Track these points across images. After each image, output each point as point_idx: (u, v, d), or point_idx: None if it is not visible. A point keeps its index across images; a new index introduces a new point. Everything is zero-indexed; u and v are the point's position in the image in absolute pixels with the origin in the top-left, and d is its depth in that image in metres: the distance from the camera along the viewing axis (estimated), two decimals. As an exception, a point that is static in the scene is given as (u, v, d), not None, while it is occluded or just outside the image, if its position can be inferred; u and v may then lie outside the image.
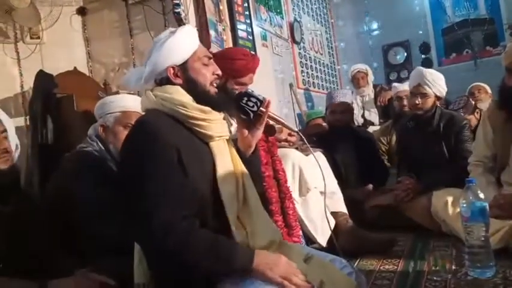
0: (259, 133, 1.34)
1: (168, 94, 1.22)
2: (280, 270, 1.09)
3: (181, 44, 1.27)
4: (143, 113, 1.29)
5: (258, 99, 1.29)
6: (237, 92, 1.32)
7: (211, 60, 1.31)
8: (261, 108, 1.29)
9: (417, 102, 2.70)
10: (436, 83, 2.70)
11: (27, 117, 2.81)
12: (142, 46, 3.10)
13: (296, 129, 1.47)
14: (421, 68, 2.84)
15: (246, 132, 1.33)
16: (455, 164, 2.54)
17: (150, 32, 3.06)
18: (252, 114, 1.29)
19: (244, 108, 1.29)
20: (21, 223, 1.37)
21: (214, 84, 1.29)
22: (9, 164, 1.40)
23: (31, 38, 3.07)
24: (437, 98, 2.73)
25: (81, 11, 3.35)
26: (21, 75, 3.01)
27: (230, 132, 1.33)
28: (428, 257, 1.92)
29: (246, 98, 1.29)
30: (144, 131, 1.16)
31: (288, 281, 1.09)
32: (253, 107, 1.28)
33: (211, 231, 1.12)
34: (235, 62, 1.92)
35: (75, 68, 3.10)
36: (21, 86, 3.01)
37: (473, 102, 3.37)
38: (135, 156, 1.15)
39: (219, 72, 1.31)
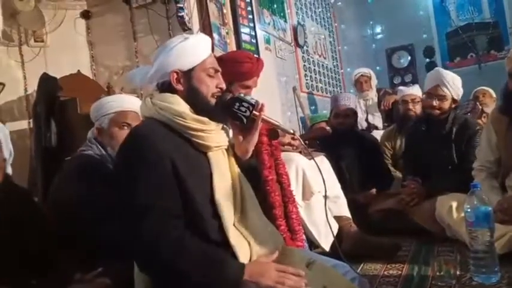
0: (255, 138, 1.31)
1: (166, 103, 1.20)
2: (273, 275, 1.09)
3: (191, 50, 1.25)
4: (139, 113, 1.29)
5: (250, 103, 1.25)
6: (228, 97, 1.28)
7: (218, 73, 1.29)
8: (253, 112, 1.25)
9: (434, 103, 2.63)
10: (455, 85, 2.64)
11: (31, 120, 2.83)
12: (146, 50, 3.11)
13: (291, 131, 1.44)
14: (441, 68, 2.78)
15: (241, 137, 1.30)
16: (462, 169, 2.50)
17: (154, 36, 3.07)
18: (245, 120, 1.26)
19: (237, 114, 1.25)
20: (21, 228, 1.37)
21: (216, 97, 1.26)
22: (0, 178, 1.39)
23: (35, 41, 3.10)
24: (454, 101, 2.68)
25: (85, 15, 3.37)
26: (25, 78, 3.03)
27: (228, 139, 1.31)
28: (433, 262, 1.91)
29: (237, 104, 1.25)
30: (137, 142, 1.15)
31: (282, 284, 1.08)
32: (245, 111, 1.25)
33: (213, 244, 1.12)
34: (241, 65, 1.92)
35: (78, 71, 3.12)
36: (25, 89, 3.03)
37: (480, 107, 3.36)
38: (128, 164, 1.15)
39: (223, 86, 1.29)
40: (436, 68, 2.84)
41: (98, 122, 1.83)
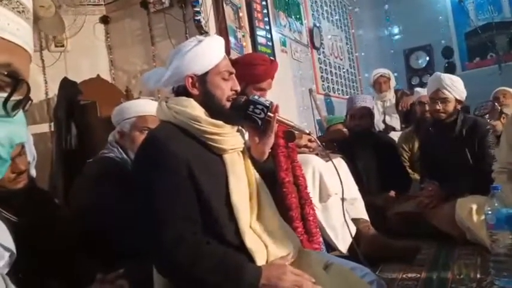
0: (271, 139, 1.31)
1: (182, 107, 1.20)
2: (290, 279, 1.09)
3: (205, 55, 1.25)
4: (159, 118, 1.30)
5: (264, 105, 1.25)
6: (242, 100, 1.27)
7: (232, 75, 1.29)
8: (268, 113, 1.25)
9: (438, 107, 2.66)
10: (455, 86, 2.65)
11: (52, 124, 2.88)
12: (164, 54, 3.15)
13: (307, 131, 1.43)
14: (439, 73, 2.80)
15: (257, 139, 1.30)
16: (479, 170, 2.47)
17: (171, 40, 3.11)
18: (260, 122, 1.26)
19: (251, 117, 1.25)
20: (43, 229, 1.40)
21: (231, 100, 1.26)
22: (24, 183, 1.41)
23: (56, 46, 3.16)
24: (458, 101, 2.68)
25: (104, 20, 3.43)
26: (46, 82, 3.09)
27: (244, 141, 1.31)
28: (453, 265, 1.88)
29: (252, 106, 1.25)
30: (154, 146, 1.17)
31: (300, 287, 1.08)
32: (260, 114, 1.25)
33: (230, 247, 1.13)
34: (255, 68, 1.92)
35: (98, 75, 3.17)
36: (46, 93, 3.09)
37: (498, 108, 3.30)
38: (145, 170, 1.16)
39: (238, 88, 1.29)
40: (435, 72, 2.87)
41: (119, 126, 1.87)
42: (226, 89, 1.26)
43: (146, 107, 1.86)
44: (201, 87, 1.24)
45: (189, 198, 1.12)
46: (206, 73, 1.24)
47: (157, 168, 1.13)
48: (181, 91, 1.26)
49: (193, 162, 1.13)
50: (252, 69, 1.92)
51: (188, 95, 1.24)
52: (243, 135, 1.31)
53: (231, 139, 1.23)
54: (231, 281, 1.07)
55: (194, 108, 1.20)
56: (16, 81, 0.56)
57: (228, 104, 1.25)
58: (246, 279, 1.07)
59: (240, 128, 1.31)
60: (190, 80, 1.24)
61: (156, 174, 1.12)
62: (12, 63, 0.55)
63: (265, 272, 1.09)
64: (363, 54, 6.54)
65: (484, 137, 2.60)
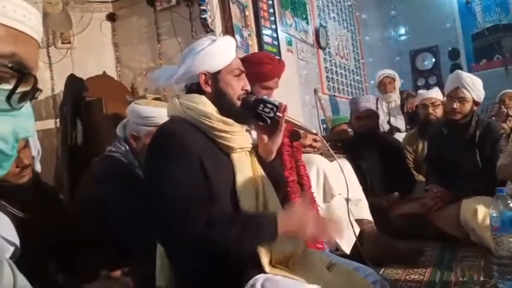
0: (279, 139, 1.32)
1: (193, 103, 1.22)
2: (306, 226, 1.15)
3: (218, 53, 1.27)
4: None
5: (273, 104, 1.28)
6: (252, 99, 1.30)
7: (243, 75, 1.31)
8: (277, 113, 1.27)
9: (455, 106, 2.59)
10: (475, 87, 2.59)
11: (58, 120, 2.89)
12: (170, 51, 3.16)
13: (314, 131, 1.44)
14: (460, 71, 2.74)
15: (265, 138, 1.31)
16: (487, 174, 2.44)
17: (177, 38, 3.11)
18: (269, 121, 1.28)
19: (261, 115, 1.28)
20: (48, 224, 1.41)
21: (241, 99, 1.28)
22: (28, 177, 1.43)
23: (62, 43, 3.17)
24: (475, 103, 2.63)
25: (111, 17, 3.44)
26: (52, 79, 3.10)
27: (252, 141, 1.32)
28: (456, 267, 1.86)
29: (262, 105, 1.28)
30: (166, 138, 1.18)
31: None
32: (269, 113, 1.27)
33: None
34: (262, 66, 1.93)
35: (104, 72, 3.18)
36: (52, 90, 3.10)
37: (505, 110, 3.29)
38: (157, 160, 1.17)
39: (248, 87, 1.31)
40: (456, 70, 2.80)
41: (135, 128, 1.85)
42: (238, 88, 1.28)
43: (165, 118, 1.85)
44: (213, 85, 1.26)
45: (202, 184, 1.13)
46: (219, 71, 1.26)
47: (170, 157, 1.13)
48: (193, 88, 1.28)
49: (204, 157, 1.15)
50: (259, 67, 1.92)
51: (200, 92, 1.26)
52: (250, 134, 1.33)
53: (239, 138, 1.25)
54: (255, 240, 1.12)
55: (205, 105, 1.22)
56: (21, 73, 0.52)
57: (238, 103, 1.27)
58: (268, 234, 1.12)
59: (247, 128, 1.32)
60: (203, 77, 1.26)
61: (169, 163, 1.13)
62: (16, 53, 0.51)
63: (280, 221, 1.13)
64: (368, 54, 6.52)
65: (497, 140, 2.54)
